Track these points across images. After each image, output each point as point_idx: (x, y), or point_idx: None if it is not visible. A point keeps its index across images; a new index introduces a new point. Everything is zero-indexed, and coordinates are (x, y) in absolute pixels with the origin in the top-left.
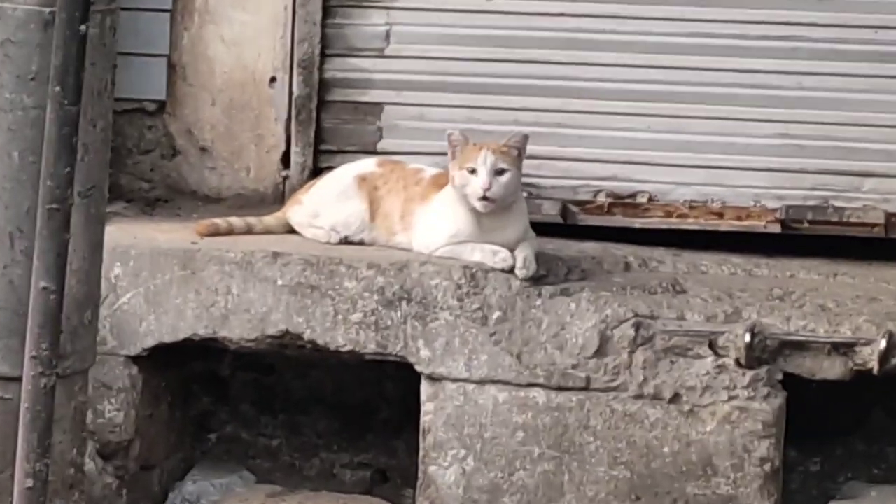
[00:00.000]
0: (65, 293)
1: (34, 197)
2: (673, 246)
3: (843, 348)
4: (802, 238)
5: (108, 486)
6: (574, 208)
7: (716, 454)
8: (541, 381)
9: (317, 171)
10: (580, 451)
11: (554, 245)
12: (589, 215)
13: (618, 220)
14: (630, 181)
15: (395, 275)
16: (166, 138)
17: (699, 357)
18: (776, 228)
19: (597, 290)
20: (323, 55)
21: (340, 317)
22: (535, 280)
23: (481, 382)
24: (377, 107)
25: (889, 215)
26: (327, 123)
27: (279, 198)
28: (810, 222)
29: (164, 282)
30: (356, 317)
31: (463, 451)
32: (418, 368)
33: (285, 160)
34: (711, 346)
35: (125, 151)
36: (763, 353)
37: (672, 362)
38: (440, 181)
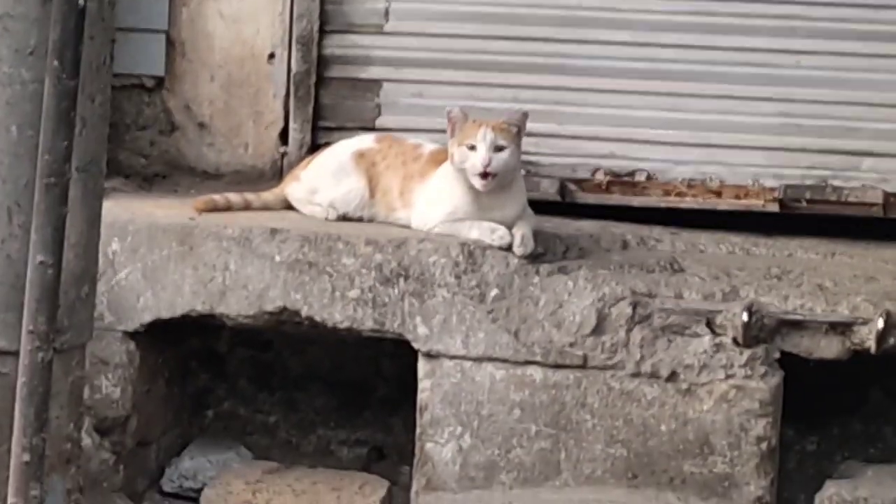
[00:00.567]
0: (62, 268)
1: (32, 172)
2: (671, 224)
3: (841, 327)
4: (800, 217)
5: (104, 461)
6: (572, 186)
7: (713, 433)
8: (538, 358)
9: (315, 148)
10: (577, 428)
11: (552, 223)
12: (587, 193)
13: (616, 199)
14: (628, 159)
15: (393, 252)
16: (164, 114)
17: (697, 336)
18: (774, 207)
19: (594, 268)
20: (322, 31)
21: (338, 293)
22: (533, 258)
23: (478, 360)
24: (376, 83)
25: (887, 195)
26: (326, 100)
27: (277, 174)
28: (808, 201)
29: (161, 257)
30: (354, 293)
31: (460, 429)
32: (415, 345)
33: (283, 136)
34: (709, 324)
35: (123, 127)
36: (760, 331)
37: (669, 341)
38: (439, 158)
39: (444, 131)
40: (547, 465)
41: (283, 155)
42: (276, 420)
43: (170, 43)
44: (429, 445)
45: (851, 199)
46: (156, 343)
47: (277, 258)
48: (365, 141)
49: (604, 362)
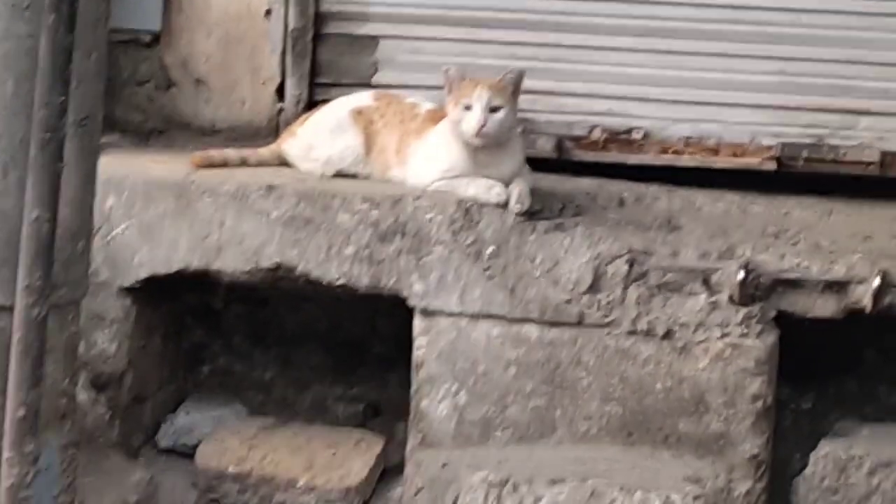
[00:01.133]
0: (58, 223)
1: (28, 127)
2: (668, 182)
3: (837, 286)
4: (798, 176)
5: (100, 416)
6: (569, 144)
7: (708, 391)
8: (534, 316)
9: (312, 105)
10: (572, 386)
11: (548, 181)
12: (584, 151)
13: (613, 156)
14: (625, 117)
15: (390, 208)
16: (161, 70)
17: (693, 294)
18: (772, 166)
19: (591, 225)
20: None
21: (334, 250)
22: (530, 215)
23: (474, 317)
24: (373, 40)
25: (884, 154)
26: (323, 56)
27: (274, 130)
28: (806, 160)
29: (157, 213)
30: (350, 250)
31: (455, 386)
32: (411, 302)
33: (280, 93)
34: (705, 282)
35: (120, 83)
36: (756, 290)
37: (665, 298)
38: (436, 116)
39: (441, 88)
40: (542, 423)
41: (280, 111)
42: (271, 376)
43: None
44: (424, 402)
45: (848, 157)
46: (151, 299)
47: (273, 214)
48: (363, 98)
49: (600, 320)
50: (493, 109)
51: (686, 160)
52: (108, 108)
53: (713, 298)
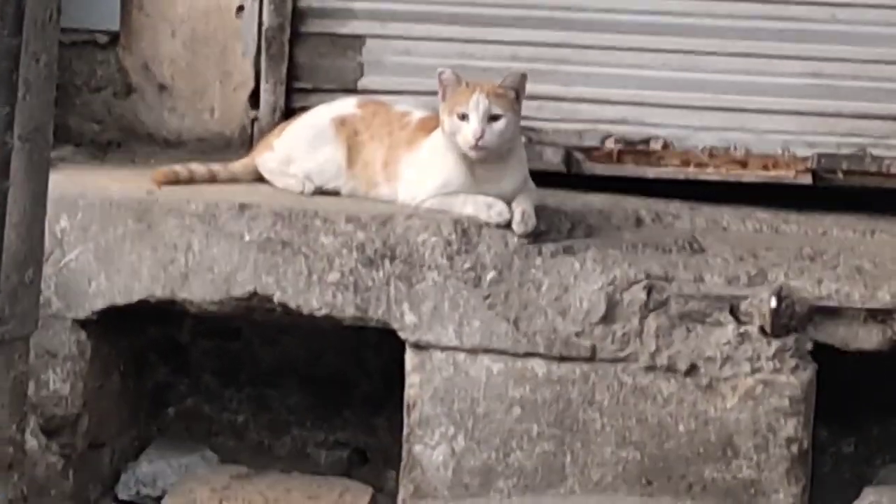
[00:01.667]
0: (3, 249)
1: None
2: (690, 199)
3: (882, 315)
4: (836, 190)
5: (52, 466)
6: (579, 156)
7: (737, 433)
8: (540, 350)
9: (289, 113)
10: (584, 429)
11: (556, 197)
12: (596, 164)
13: (628, 170)
14: (642, 125)
15: (378, 229)
16: (120, 74)
17: (719, 324)
18: (807, 179)
19: (604, 248)
20: None
21: (315, 277)
22: (535, 236)
23: (473, 351)
24: (358, 40)
25: None
26: (301, 58)
27: (247, 142)
28: (845, 173)
29: (116, 236)
30: (333, 277)
31: (452, 429)
32: (402, 335)
33: (254, 100)
34: (733, 311)
35: (73, 89)
36: (791, 320)
37: (688, 330)
38: (429, 125)
39: (434, 93)
40: (550, 471)
41: (254, 120)
42: (244, 419)
43: None
44: (417, 448)
45: (894, 169)
46: (110, 333)
47: (247, 237)
48: (346, 106)
49: (614, 354)
50: (493, 118)
51: (710, 173)
52: (59, 117)
53: (742, 329)
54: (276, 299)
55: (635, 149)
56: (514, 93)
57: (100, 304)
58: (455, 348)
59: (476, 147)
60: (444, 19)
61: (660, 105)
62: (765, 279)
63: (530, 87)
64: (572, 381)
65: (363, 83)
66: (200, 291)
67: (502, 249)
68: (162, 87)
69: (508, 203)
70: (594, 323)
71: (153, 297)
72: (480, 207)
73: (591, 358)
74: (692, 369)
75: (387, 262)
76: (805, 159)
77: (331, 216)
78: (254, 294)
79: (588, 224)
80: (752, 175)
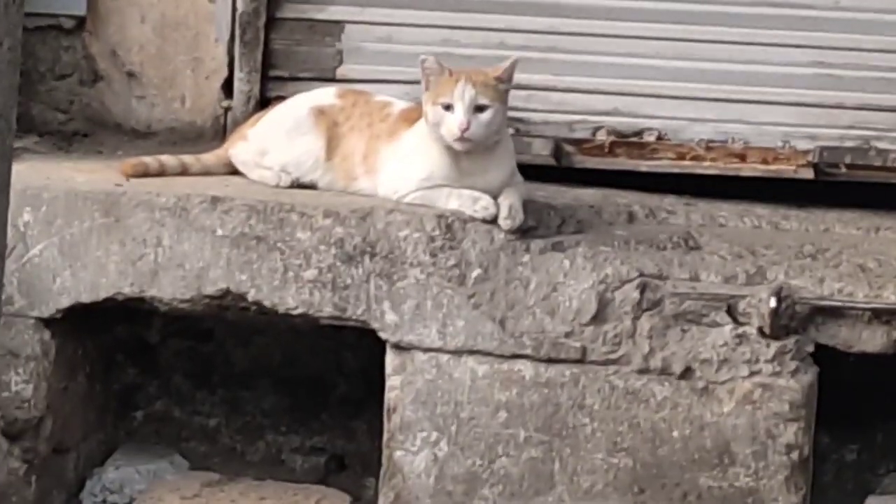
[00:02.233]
0: None
1: None
2: (686, 193)
3: (886, 316)
4: (839, 185)
5: (13, 471)
6: (569, 148)
7: (734, 440)
8: (528, 351)
9: (264, 102)
10: (574, 434)
11: (545, 191)
12: (587, 156)
13: (621, 163)
14: (636, 116)
15: (357, 224)
16: (86, 61)
17: (716, 325)
18: (808, 174)
19: (595, 244)
20: None
21: (291, 274)
22: (523, 232)
23: (457, 353)
24: (337, 26)
25: None
26: (277, 45)
27: (220, 133)
28: (848, 167)
29: (82, 230)
30: (310, 274)
31: (435, 434)
32: (383, 335)
33: (227, 88)
34: (730, 312)
35: (37, 76)
36: (791, 320)
37: (684, 331)
38: (411, 116)
39: (416, 82)
40: (538, 478)
41: (227, 110)
42: (216, 423)
43: None
44: (398, 454)
45: None
46: (75, 332)
47: (219, 232)
48: (325, 96)
49: (606, 356)
50: (479, 109)
51: (707, 167)
52: (22, 106)
53: (740, 330)
54: (250, 297)
55: (628, 141)
56: (502, 82)
57: (65, 302)
58: (438, 349)
59: (461, 139)
60: (427, 4)
61: (654, 95)
62: (764, 278)
63: (519, 76)
64: (561, 384)
65: (342, 71)
66: (171, 289)
67: (488, 246)
68: (130, 75)
69: (495, 197)
70: (584, 323)
71: (121, 295)
72: (465, 201)
73: (581, 360)
74: (687, 372)
75: (367, 258)
76: (806, 153)
77: (308, 210)
78: (227, 292)
79: (578, 219)
80: (750, 169)
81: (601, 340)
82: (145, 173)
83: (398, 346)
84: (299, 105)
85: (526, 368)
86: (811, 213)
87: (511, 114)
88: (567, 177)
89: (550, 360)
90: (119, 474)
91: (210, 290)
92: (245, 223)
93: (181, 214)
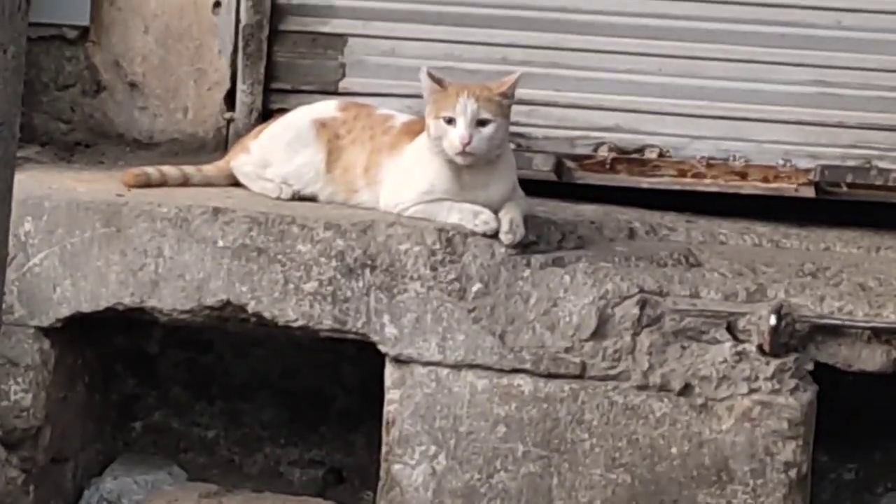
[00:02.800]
0: None
1: None
2: (686, 211)
3: (886, 335)
4: (840, 204)
5: (12, 480)
6: (570, 164)
7: (733, 457)
8: (527, 366)
9: (267, 115)
10: (572, 450)
11: (546, 207)
12: (588, 172)
13: (622, 179)
14: (637, 133)
15: (358, 237)
16: (89, 71)
17: (715, 342)
18: (809, 192)
19: (596, 260)
20: None
21: (291, 286)
22: (524, 247)
23: (457, 367)
24: (340, 39)
25: None
26: (280, 57)
27: (222, 144)
28: (849, 185)
29: (83, 240)
30: (310, 286)
31: (433, 448)
32: (383, 349)
33: (230, 100)
34: (730, 329)
35: (40, 86)
36: (791, 338)
37: (683, 347)
38: (413, 129)
39: (418, 96)
40: (536, 493)
41: (229, 122)
42: (215, 435)
43: None
44: (396, 467)
45: None
46: (75, 341)
47: (220, 243)
48: (327, 109)
49: (605, 372)
50: (481, 123)
51: (708, 184)
52: (25, 116)
53: (739, 348)
54: (249, 309)
55: (629, 157)
56: (505, 97)
57: (65, 312)
58: (438, 363)
59: (463, 153)
60: (430, 18)
61: (656, 112)
62: (764, 295)
63: (521, 92)
64: (560, 400)
65: (344, 84)
66: (171, 299)
67: (489, 260)
68: (133, 86)
69: (496, 211)
70: (584, 339)
71: (121, 305)
72: (466, 215)
73: (581, 375)
74: (686, 389)
75: (367, 271)
76: (807, 171)
77: (309, 222)
78: (227, 303)
79: (579, 235)
80: (751, 187)
81: (601, 356)
82: (147, 184)
83: (398, 360)
84: (301, 117)
85: (525, 383)
86: (812, 231)
87: (512, 129)
88: (568, 192)
89: (550, 376)
90: (117, 484)
91: (210, 301)
92: (246, 235)
93: (182, 225)
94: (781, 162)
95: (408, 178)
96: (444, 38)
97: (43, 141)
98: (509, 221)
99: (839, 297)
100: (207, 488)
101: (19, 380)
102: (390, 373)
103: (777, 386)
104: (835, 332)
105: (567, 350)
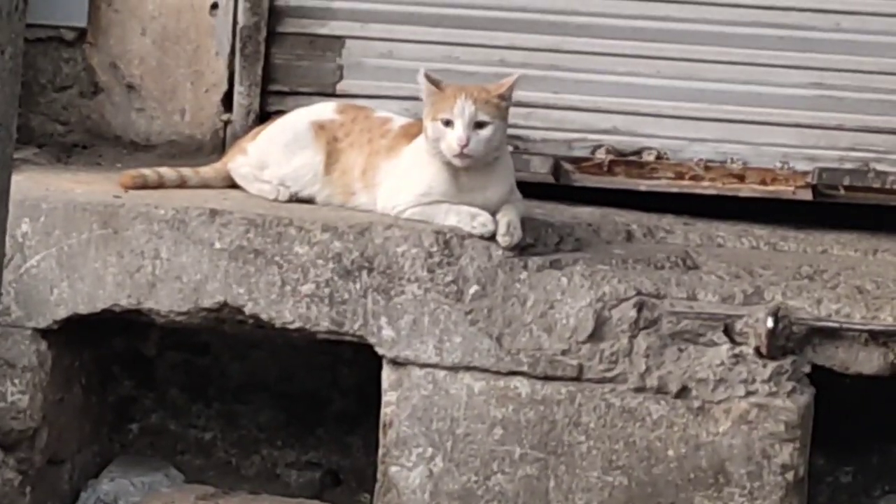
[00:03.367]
0: None
1: None
2: (684, 213)
3: (883, 338)
4: (837, 207)
5: (8, 482)
6: (568, 166)
7: (729, 459)
8: (524, 368)
9: (264, 117)
10: (569, 452)
11: (543, 209)
12: (585, 175)
13: (619, 182)
14: (635, 135)
15: (355, 239)
16: (86, 73)
17: (712, 344)
18: (807, 195)
19: (593, 263)
20: None
21: (289, 288)
22: (521, 249)
23: (454, 369)
24: (338, 41)
25: None
26: (278, 59)
27: (219, 146)
28: (847, 188)
29: (80, 242)
30: (307, 288)
31: (430, 450)
32: (380, 351)
33: (227, 102)
34: (727, 331)
35: (37, 88)
36: (788, 341)
37: (680, 350)
38: (411, 131)
39: (417, 98)
40: (533, 495)
41: (227, 123)
42: (212, 437)
43: None
44: (393, 469)
45: None
46: (72, 343)
47: (217, 245)
48: (325, 111)
49: (602, 374)
50: (479, 125)
51: (706, 187)
52: (22, 118)
53: (736, 350)
54: (247, 311)
55: (627, 160)
56: (503, 99)
57: (62, 313)
58: (435, 365)
59: (461, 155)
60: (428, 21)
61: (654, 115)
62: (761, 298)
63: (518, 94)
64: (557, 402)
65: (342, 87)
66: (168, 301)
67: (486, 262)
68: (130, 87)
69: (493, 214)
70: (581, 341)
71: (118, 307)
72: (464, 218)
73: (578, 378)
74: (683, 391)
75: (364, 273)
76: (805, 174)
77: (306, 224)
78: (224, 305)
79: (576, 237)
80: (749, 190)
81: (598, 358)
82: (144, 185)
83: (395, 362)
84: (299, 120)
85: (522, 385)
86: (809, 234)
87: (510, 131)
88: (566, 195)
89: (547, 378)
90: (114, 486)
91: (207, 302)
92: (243, 237)
93: (179, 227)
94: (779, 164)
95: (405, 181)
96: (442, 41)
97: (40, 142)
98: (507, 224)
99: (836, 300)
100: (204, 490)
101: (16, 381)
102: (387, 375)
103: (774, 388)
104: (832, 334)
105: (564, 352)
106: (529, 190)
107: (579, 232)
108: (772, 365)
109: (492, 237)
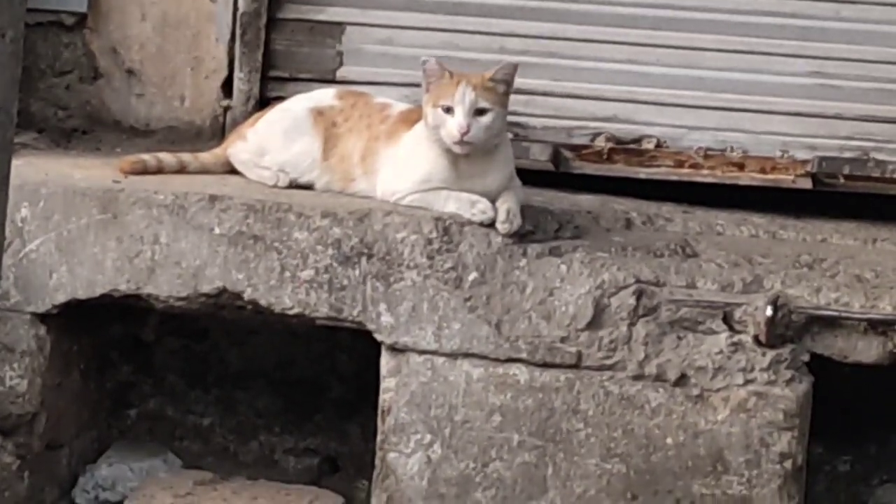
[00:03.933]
0: None
1: None
2: (683, 201)
3: (882, 327)
4: (837, 196)
5: (6, 466)
6: (568, 154)
7: (728, 447)
8: (523, 355)
9: (264, 103)
10: (568, 439)
11: (543, 196)
12: (585, 162)
13: (619, 169)
14: (634, 123)
15: (354, 226)
16: (86, 58)
17: (711, 332)
18: (806, 184)
19: (592, 250)
20: None
21: (288, 274)
22: (520, 236)
23: (453, 355)
24: (337, 27)
25: None
26: (278, 45)
27: (218, 132)
28: (847, 177)
29: (79, 227)
30: (307, 274)
31: (429, 437)
32: (378, 337)
33: (227, 88)
34: (726, 319)
35: (37, 73)
36: (787, 329)
37: (679, 338)
38: (411, 118)
39: (416, 85)
40: (531, 482)
41: (227, 109)
42: (210, 422)
43: None
44: (391, 456)
45: None
46: (70, 328)
47: (217, 230)
48: (325, 97)
49: (601, 362)
50: (479, 112)
51: (705, 175)
52: (22, 102)
53: (735, 338)
54: (246, 296)
55: (627, 148)
56: (503, 86)
57: (61, 298)
58: (433, 352)
59: (461, 142)
60: (428, 7)
61: (653, 103)
62: (760, 286)
63: (519, 82)
64: (556, 389)
65: (342, 73)
66: (167, 286)
67: (485, 249)
68: (130, 73)
69: (493, 201)
70: (580, 328)
71: (117, 292)
72: (463, 204)
73: (577, 365)
74: (682, 379)
75: (364, 259)
76: (805, 162)
77: (306, 210)
78: (223, 290)
79: (576, 225)
80: (748, 178)
81: (597, 346)
82: (143, 171)
83: (393, 348)
84: (298, 106)
85: (521, 372)
86: (808, 222)
87: (510, 118)
88: (565, 182)
89: (545, 365)
90: (112, 471)
91: (206, 288)
92: (243, 222)
93: (179, 212)
94: (779, 153)
95: (405, 167)
96: (442, 27)
97: (40, 127)
98: (506, 211)
99: (835, 289)
100: (202, 476)
101: (15, 366)
102: (386, 361)
103: (773, 377)
104: (831, 323)
105: (563, 340)
106: (529, 177)
107: (579, 219)
108: (771, 353)
109: (491, 224)
